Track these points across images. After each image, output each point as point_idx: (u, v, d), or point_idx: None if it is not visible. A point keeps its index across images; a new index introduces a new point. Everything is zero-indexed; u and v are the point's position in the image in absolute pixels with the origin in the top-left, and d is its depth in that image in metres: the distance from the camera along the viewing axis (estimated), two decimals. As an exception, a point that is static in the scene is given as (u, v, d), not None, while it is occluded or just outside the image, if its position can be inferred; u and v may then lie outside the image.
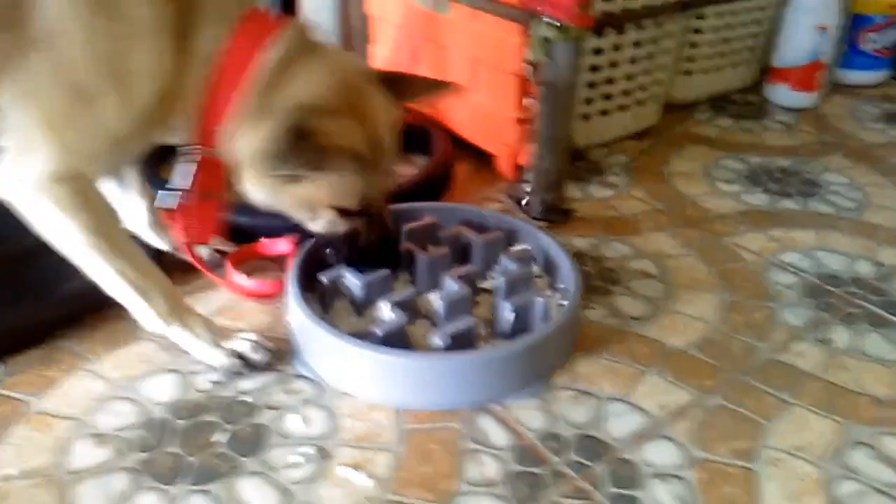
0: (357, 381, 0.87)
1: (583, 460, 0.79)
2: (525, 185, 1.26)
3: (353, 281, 0.96)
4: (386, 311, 0.90)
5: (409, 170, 1.34)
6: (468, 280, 0.98)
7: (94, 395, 0.86)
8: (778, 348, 0.97)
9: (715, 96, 1.80)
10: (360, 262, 0.95)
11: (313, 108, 0.83)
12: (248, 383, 0.88)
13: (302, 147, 0.81)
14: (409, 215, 1.09)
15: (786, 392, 0.89)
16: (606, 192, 1.37)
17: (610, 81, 1.45)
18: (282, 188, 0.86)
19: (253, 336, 0.91)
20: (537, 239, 1.07)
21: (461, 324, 0.89)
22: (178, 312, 0.87)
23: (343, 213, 0.90)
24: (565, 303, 0.95)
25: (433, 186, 1.29)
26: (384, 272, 0.96)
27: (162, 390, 0.87)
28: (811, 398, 0.89)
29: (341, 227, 0.92)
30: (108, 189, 0.96)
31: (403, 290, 0.96)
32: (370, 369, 0.86)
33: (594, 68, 1.40)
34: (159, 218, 1.04)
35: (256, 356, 0.90)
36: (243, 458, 0.78)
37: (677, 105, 1.72)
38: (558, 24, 1.08)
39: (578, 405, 0.86)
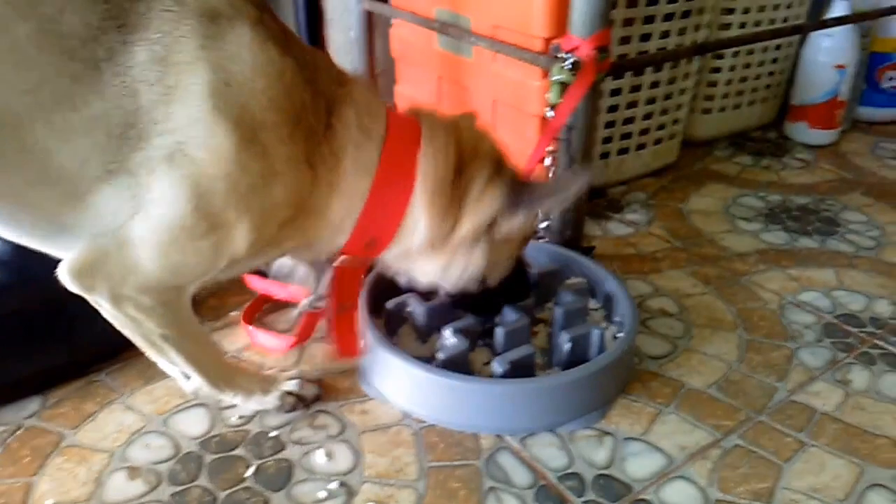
0: (418, 402, 0.91)
1: (602, 500, 0.80)
2: (544, 222, 1.28)
3: (417, 307, 0.99)
4: (448, 338, 0.94)
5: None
6: (526, 310, 1.00)
7: (128, 429, 0.89)
8: (795, 389, 0.98)
9: (734, 134, 1.82)
10: (504, 299, 0.97)
11: (503, 158, 0.86)
12: (275, 419, 0.91)
13: (528, 185, 0.85)
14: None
15: (803, 433, 0.90)
16: (626, 229, 1.39)
17: (628, 121, 1.48)
18: (488, 250, 0.86)
19: (295, 373, 0.95)
20: (594, 272, 1.10)
21: (520, 352, 0.92)
22: (227, 378, 0.89)
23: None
24: (620, 335, 0.98)
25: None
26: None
27: (193, 424, 0.90)
28: (828, 439, 0.89)
29: (510, 267, 0.93)
30: None
31: (465, 318, 0.98)
32: (432, 392, 0.90)
33: (612, 108, 1.43)
34: None
35: (306, 392, 0.93)
36: (271, 493, 0.81)
37: (696, 142, 1.75)
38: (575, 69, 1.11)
39: (597, 445, 0.88)
